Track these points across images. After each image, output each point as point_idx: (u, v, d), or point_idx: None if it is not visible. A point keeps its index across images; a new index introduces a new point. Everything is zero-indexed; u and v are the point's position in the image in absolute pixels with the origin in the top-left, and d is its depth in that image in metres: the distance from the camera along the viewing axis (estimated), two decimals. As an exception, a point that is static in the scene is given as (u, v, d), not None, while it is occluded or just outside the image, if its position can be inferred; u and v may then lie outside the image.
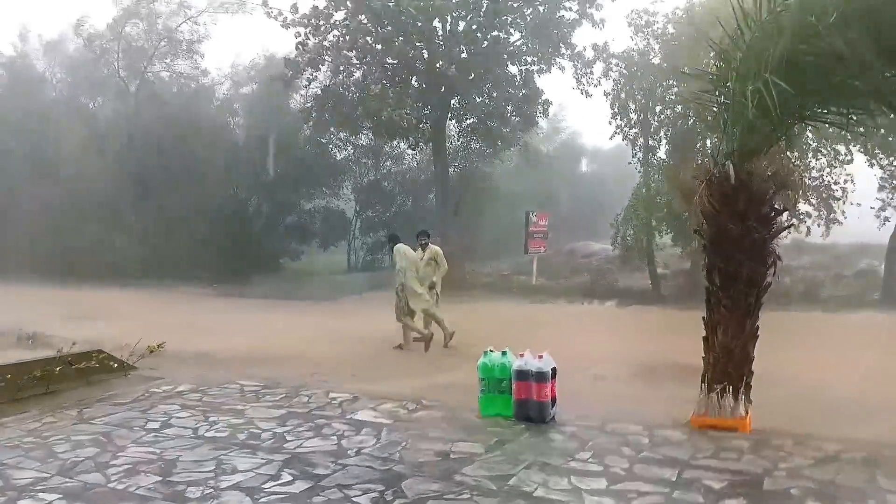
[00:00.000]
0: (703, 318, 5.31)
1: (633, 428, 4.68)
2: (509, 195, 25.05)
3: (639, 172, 18.35)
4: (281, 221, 24.75)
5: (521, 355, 4.96)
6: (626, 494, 3.44)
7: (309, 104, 21.33)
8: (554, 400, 4.93)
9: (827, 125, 5.25)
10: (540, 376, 4.83)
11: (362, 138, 24.50)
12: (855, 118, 4.95)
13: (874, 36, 4.04)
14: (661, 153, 18.79)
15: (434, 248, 10.58)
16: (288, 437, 4.53)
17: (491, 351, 5.13)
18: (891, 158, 15.31)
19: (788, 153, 6.81)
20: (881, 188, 16.35)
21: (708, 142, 15.49)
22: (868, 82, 4.31)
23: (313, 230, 24.75)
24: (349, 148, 25.45)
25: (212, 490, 3.59)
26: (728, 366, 5.07)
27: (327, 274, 23.33)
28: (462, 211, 22.70)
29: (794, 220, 5.33)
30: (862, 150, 15.10)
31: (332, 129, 22.27)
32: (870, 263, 18.12)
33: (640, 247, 17.85)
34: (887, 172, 15.77)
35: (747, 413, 4.83)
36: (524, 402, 4.87)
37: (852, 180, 16.16)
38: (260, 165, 23.41)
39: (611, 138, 20.22)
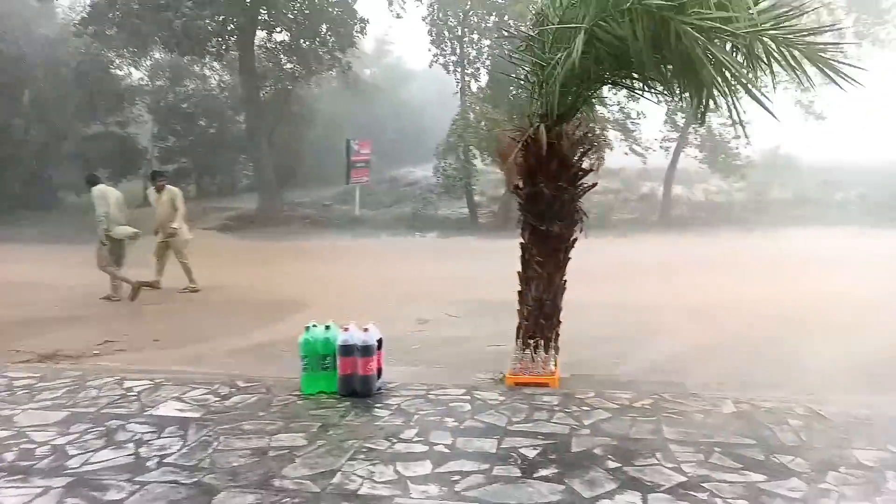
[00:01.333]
0: (518, 272, 5.56)
1: (454, 393, 4.82)
2: (329, 121, 24.17)
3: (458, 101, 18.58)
4: (56, 150, 21.54)
5: (346, 329, 4.82)
6: (449, 478, 3.52)
7: (85, 14, 18.41)
8: (380, 371, 4.91)
9: (631, 91, 5.59)
10: (365, 350, 4.75)
11: (156, 53, 21.84)
12: (651, 86, 5.29)
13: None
14: (482, 81, 19.08)
15: (172, 190, 10.15)
16: (71, 452, 3.92)
17: (313, 325, 4.93)
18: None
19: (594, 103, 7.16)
20: (665, 122, 18.29)
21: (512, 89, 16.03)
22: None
23: (97, 160, 21.88)
24: (140, 66, 22.61)
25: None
26: (539, 318, 5.40)
27: (119, 210, 21.02)
28: (276, 138, 21.48)
29: (598, 181, 5.65)
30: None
31: (115, 43, 19.53)
32: (651, 187, 20.32)
33: (459, 176, 18.33)
34: (671, 108, 17.60)
35: (556, 367, 5.22)
36: (349, 377, 4.78)
37: (643, 115, 17.82)
38: (20, 86, 19.97)
39: (430, 66, 20.09)
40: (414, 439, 4.04)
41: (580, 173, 5.48)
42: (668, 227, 15.83)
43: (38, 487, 3.47)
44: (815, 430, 4.01)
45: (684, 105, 16.44)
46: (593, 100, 5.62)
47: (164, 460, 3.80)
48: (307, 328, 4.91)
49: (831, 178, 20.73)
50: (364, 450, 3.88)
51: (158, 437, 4.13)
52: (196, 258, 10.76)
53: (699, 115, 5.12)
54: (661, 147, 18.63)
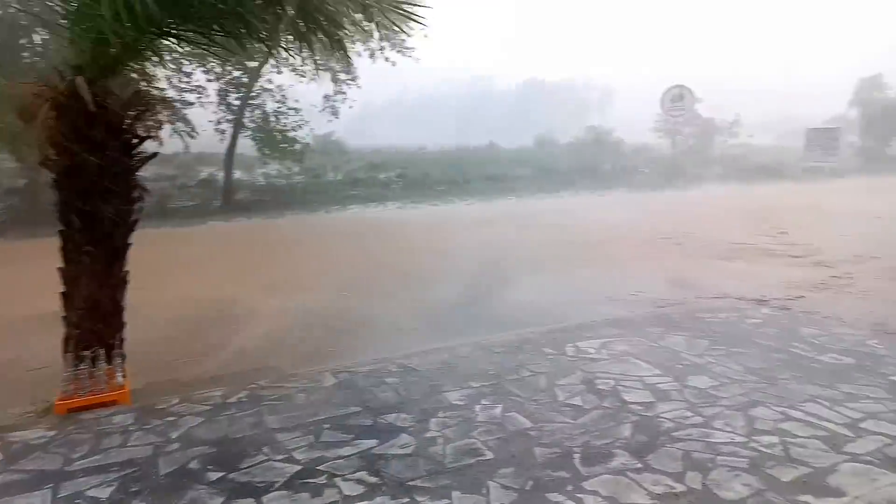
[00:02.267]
0: (60, 268, 4.37)
1: (-19, 441, 3.50)
2: None
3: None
4: None
5: None
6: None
7: None
8: None
9: (191, 44, 4.85)
10: None
11: None
12: (217, 37, 4.70)
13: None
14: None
15: None
16: None
17: None
18: (229, 72, 16.54)
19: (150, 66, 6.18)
20: (219, 103, 17.63)
21: (36, 37, 13.19)
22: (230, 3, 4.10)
23: None
24: None
25: None
26: (97, 323, 4.35)
27: None
28: None
29: (159, 150, 4.82)
30: (203, 66, 15.77)
31: None
32: (210, 172, 19.53)
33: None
34: (224, 87, 17.05)
35: (125, 378, 4.28)
36: None
37: (204, 89, 16.76)
38: None
39: None
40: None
41: (135, 141, 4.58)
42: (232, 212, 15.38)
43: None
44: (410, 383, 4.19)
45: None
46: (146, 52, 4.71)
47: None
48: None
49: (375, 161, 23.51)
50: None
51: None
52: None
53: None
54: (216, 130, 17.95)
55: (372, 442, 3.36)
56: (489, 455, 3.21)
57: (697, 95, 25.30)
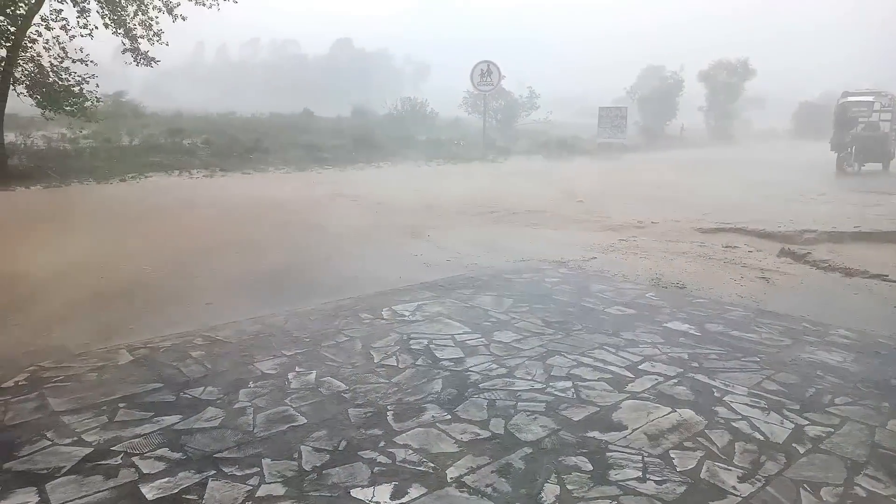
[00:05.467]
0: None
1: None
2: None
3: None
4: None
5: None
6: None
7: None
8: None
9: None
10: None
11: None
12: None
13: None
14: None
15: None
16: None
17: None
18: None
19: None
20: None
21: None
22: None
23: None
24: None
25: None
26: None
27: None
28: None
29: None
30: None
31: None
32: None
33: None
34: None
35: None
36: None
37: None
38: None
39: None
40: None
41: None
42: (8, 181, 13.35)
43: None
44: (217, 355, 4.02)
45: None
46: None
47: None
48: None
49: (176, 126, 21.68)
50: None
51: None
52: None
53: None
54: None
55: (175, 418, 3.19)
56: (302, 420, 3.20)
57: (503, 71, 26.68)
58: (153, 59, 16.24)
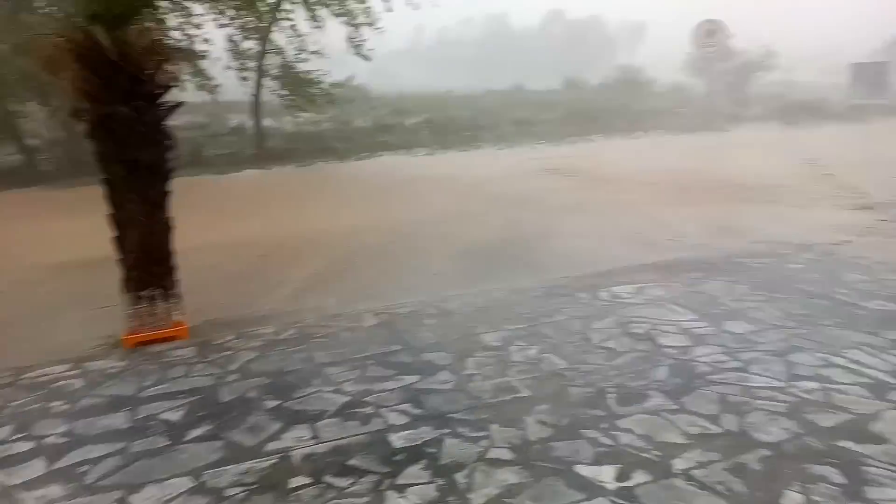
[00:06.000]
0: (110, 215, 4.62)
1: (55, 371, 3.82)
2: None
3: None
4: None
5: None
6: (74, 471, 2.75)
7: None
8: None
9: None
10: None
11: None
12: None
13: None
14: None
15: None
16: None
17: None
18: (240, 17, 16.44)
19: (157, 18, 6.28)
20: (234, 51, 17.58)
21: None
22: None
23: None
24: None
25: None
26: (150, 267, 4.62)
27: None
28: None
29: (183, 100, 4.94)
30: (213, 8, 15.69)
31: None
32: (241, 121, 19.68)
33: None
34: (237, 29, 16.99)
35: (183, 315, 4.57)
36: None
37: (208, 39, 16.73)
38: None
39: None
40: (12, 439, 3.06)
41: (159, 90, 4.69)
42: (267, 160, 15.56)
43: None
44: (447, 324, 4.40)
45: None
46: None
47: None
48: None
49: (400, 107, 23.36)
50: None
51: None
52: None
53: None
54: (239, 77, 17.95)
55: (413, 378, 3.58)
56: (525, 392, 3.40)
57: (731, 30, 24.26)
58: (366, 55, 17.91)
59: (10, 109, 14.49)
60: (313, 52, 17.65)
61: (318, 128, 19.66)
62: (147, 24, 4.74)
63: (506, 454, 2.84)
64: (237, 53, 17.47)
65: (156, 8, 4.93)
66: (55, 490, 2.63)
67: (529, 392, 3.40)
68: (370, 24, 17.62)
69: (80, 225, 6.31)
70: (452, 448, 2.89)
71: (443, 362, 3.78)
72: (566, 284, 5.21)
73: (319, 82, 17.94)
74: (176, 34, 14.68)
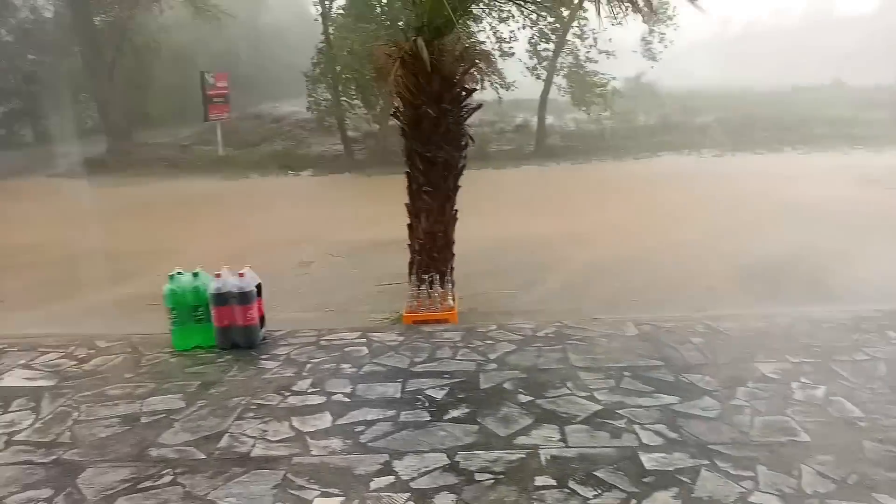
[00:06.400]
0: (406, 204, 5.20)
1: (348, 337, 4.44)
2: (179, 54, 21.73)
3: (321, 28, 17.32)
4: None
5: (218, 275, 4.24)
6: (353, 429, 3.18)
7: None
8: (262, 319, 4.40)
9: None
10: (243, 297, 4.21)
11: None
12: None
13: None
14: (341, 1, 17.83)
15: None
16: None
17: (179, 273, 4.29)
18: (545, 17, 16.95)
19: (470, 23, 6.81)
20: (531, 51, 18.23)
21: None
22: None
23: None
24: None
25: None
26: (433, 251, 5.10)
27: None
28: (119, 73, 19.11)
29: (482, 97, 5.31)
30: (524, 16, 16.42)
31: None
32: (525, 118, 20.46)
33: (332, 110, 17.38)
34: (537, 32, 17.55)
35: (455, 301, 4.96)
36: (227, 329, 4.24)
37: (515, 37, 17.59)
38: None
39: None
40: (309, 391, 3.64)
41: (464, 93, 5.12)
42: (544, 157, 16.00)
43: None
44: (717, 346, 4.05)
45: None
46: (471, 10, 5.21)
47: (14, 438, 3.19)
48: (170, 276, 4.27)
49: (690, 105, 21.97)
50: (253, 407, 3.44)
51: (4, 413, 3.47)
52: (44, 207, 9.41)
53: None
54: (533, 76, 18.63)
55: (673, 398, 3.38)
56: (805, 437, 2.97)
57: None
58: (654, 56, 17.05)
59: (343, 105, 17.15)
60: (604, 52, 17.62)
61: (600, 126, 19.53)
62: (459, 35, 5.23)
63: (773, 501, 2.53)
64: (534, 54, 18.24)
65: (471, 20, 5.47)
66: (336, 443, 3.07)
67: (810, 437, 2.97)
68: (668, 20, 16.95)
69: (379, 209, 7.21)
70: (709, 482, 2.67)
71: (707, 387, 3.50)
72: (872, 318, 4.42)
73: (605, 81, 17.87)
74: (483, 39, 15.95)
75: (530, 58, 18.39)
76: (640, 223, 7.92)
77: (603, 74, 17.92)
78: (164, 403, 3.52)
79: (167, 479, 2.80)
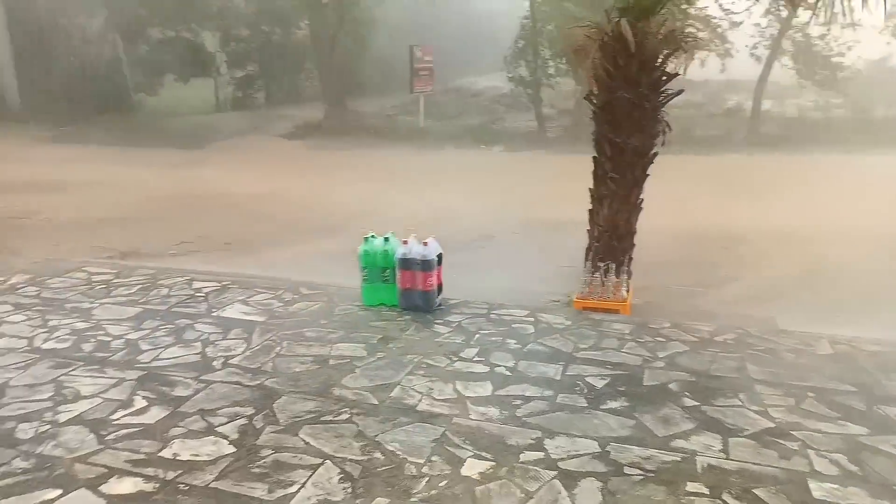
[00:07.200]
0: (590, 189, 5.15)
1: (517, 314, 4.58)
2: (393, 28, 23.09)
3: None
4: (130, 54, 21.88)
5: (405, 242, 4.60)
6: (511, 402, 3.33)
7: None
8: (440, 287, 4.71)
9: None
10: (425, 265, 4.53)
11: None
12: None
13: None
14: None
15: None
16: (143, 347, 4.02)
17: (372, 237, 4.72)
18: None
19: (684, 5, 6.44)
20: (758, 24, 16.56)
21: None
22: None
23: (168, 63, 22.11)
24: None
25: (49, 426, 3.09)
26: (612, 240, 5.02)
27: (190, 114, 21.17)
28: (339, 44, 20.81)
29: (689, 77, 5.03)
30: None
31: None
32: (738, 102, 18.84)
33: (530, 85, 17.48)
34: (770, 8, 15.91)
35: (629, 293, 4.87)
36: (409, 292, 4.61)
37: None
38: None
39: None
40: (474, 359, 3.85)
41: (664, 78, 4.88)
42: (757, 146, 14.66)
43: (113, 378, 3.56)
44: (928, 380, 3.57)
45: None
46: None
47: (229, 361, 3.80)
48: (365, 239, 4.72)
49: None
50: (423, 365, 3.73)
51: (224, 339, 4.13)
52: (268, 164, 10.73)
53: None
54: (751, 55, 16.99)
55: (860, 429, 3.06)
56: None
57: None
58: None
59: (542, 81, 17.14)
60: (846, 26, 15.50)
61: (827, 114, 17.39)
62: (667, 16, 5.01)
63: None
64: (756, 27, 16.66)
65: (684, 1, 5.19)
66: (493, 411, 3.23)
67: None
68: None
69: (565, 189, 7.18)
70: (888, 527, 2.42)
71: (906, 423, 3.12)
72: None
73: (840, 61, 15.78)
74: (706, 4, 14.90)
75: (751, 36, 16.80)
76: (850, 228, 7.03)
77: (838, 51, 15.81)
78: (349, 350, 3.95)
79: (344, 416, 3.18)
